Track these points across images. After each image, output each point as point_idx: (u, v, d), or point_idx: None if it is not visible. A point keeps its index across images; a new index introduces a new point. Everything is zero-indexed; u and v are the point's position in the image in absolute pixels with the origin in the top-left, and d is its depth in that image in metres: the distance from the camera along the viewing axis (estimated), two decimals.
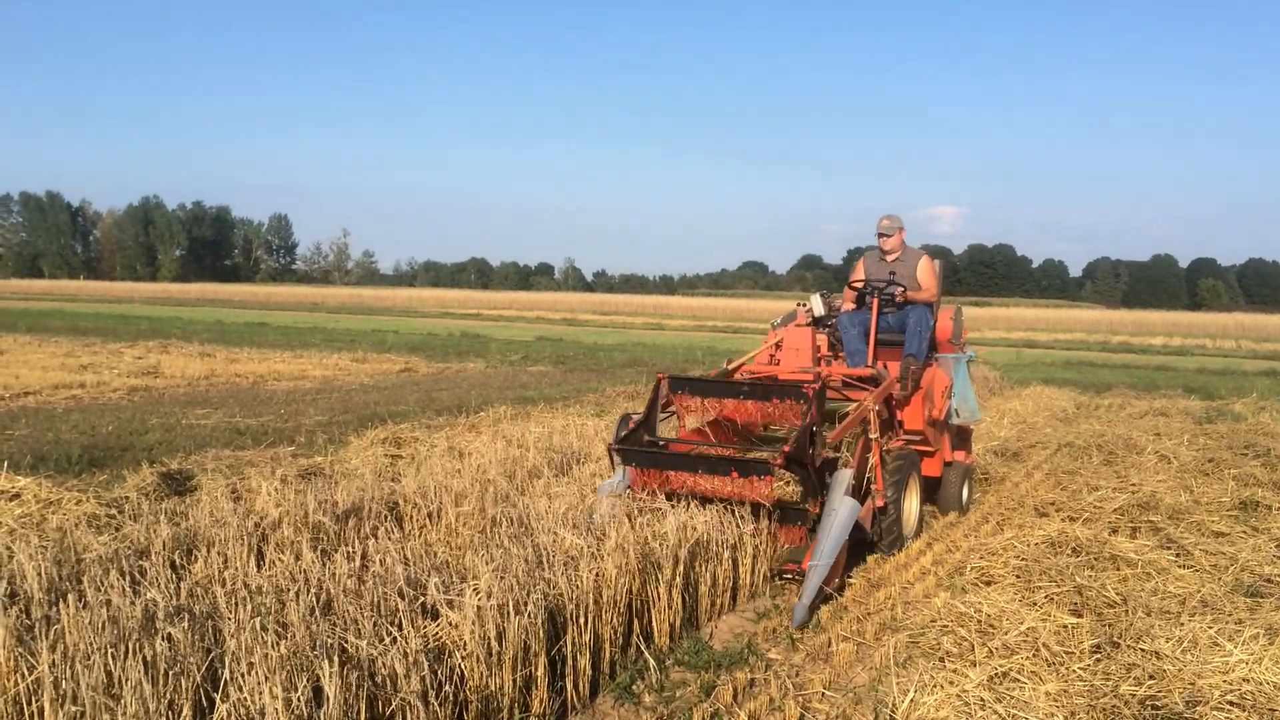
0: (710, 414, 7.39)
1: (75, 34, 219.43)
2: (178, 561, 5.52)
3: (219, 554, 5.50)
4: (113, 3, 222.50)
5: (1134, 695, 4.46)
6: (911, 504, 7.62)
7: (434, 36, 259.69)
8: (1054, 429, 14.22)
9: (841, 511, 6.14)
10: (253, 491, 7.17)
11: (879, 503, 6.96)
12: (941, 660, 4.92)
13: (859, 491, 6.64)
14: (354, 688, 3.72)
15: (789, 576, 6.32)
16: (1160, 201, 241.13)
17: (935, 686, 4.41)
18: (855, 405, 7.11)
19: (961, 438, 9.27)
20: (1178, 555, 6.83)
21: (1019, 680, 4.48)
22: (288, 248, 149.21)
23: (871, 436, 6.92)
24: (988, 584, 6.24)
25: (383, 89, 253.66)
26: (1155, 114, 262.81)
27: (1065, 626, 5.27)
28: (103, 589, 4.66)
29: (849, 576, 6.67)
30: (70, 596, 4.46)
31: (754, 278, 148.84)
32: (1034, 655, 4.76)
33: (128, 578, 4.86)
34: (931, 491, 8.67)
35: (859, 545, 6.88)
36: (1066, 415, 16.05)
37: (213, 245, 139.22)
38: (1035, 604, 5.68)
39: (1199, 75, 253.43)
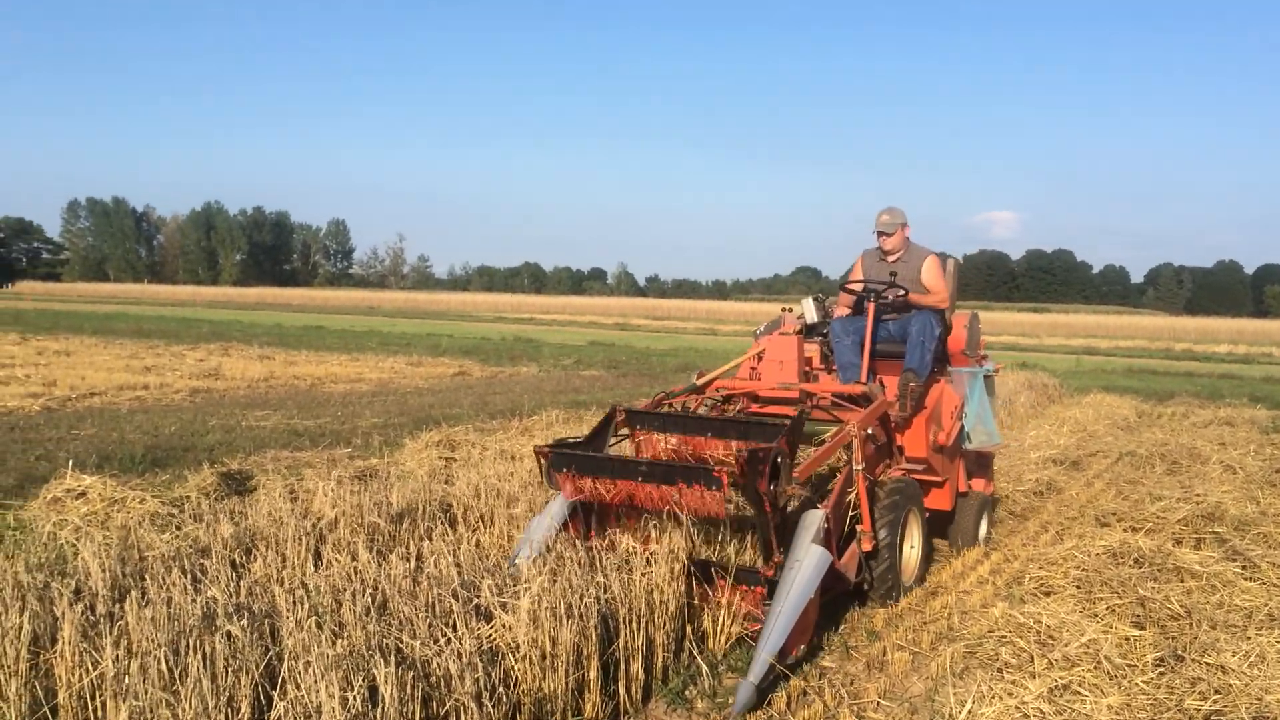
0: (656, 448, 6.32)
1: (142, 44, 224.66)
2: (237, 560, 5.61)
3: (277, 553, 5.59)
4: (179, 15, 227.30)
5: (1198, 710, 4.35)
6: (912, 545, 6.62)
7: (490, 44, 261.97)
8: (1115, 437, 13.96)
9: (806, 564, 5.03)
10: (310, 492, 7.27)
11: (866, 546, 5.91)
12: (1000, 671, 4.84)
13: (837, 536, 5.66)
14: (409, 687, 3.75)
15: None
16: (1225, 206, 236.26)
17: (994, 697, 4.34)
18: (834, 430, 6.08)
19: (981, 464, 8.25)
20: (1244, 568, 6.66)
21: (1080, 693, 4.39)
22: (345, 252, 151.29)
23: (856, 468, 5.84)
24: (1047, 594, 6.12)
25: (438, 96, 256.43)
26: (1221, 116, 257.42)
27: (1127, 639, 5.16)
28: (165, 587, 4.74)
29: (837, 631, 5.84)
30: (133, 594, 4.55)
31: (807, 283, 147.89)
32: (1095, 668, 4.66)
33: (189, 576, 4.95)
34: (943, 526, 7.78)
35: (853, 594, 6.08)
36: (1128, 424, 15.75)
37: (272, 250, 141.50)
38: (1096, 615, 5.56)
39: (1265, 77, 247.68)
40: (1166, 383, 24.42)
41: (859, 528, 5.89)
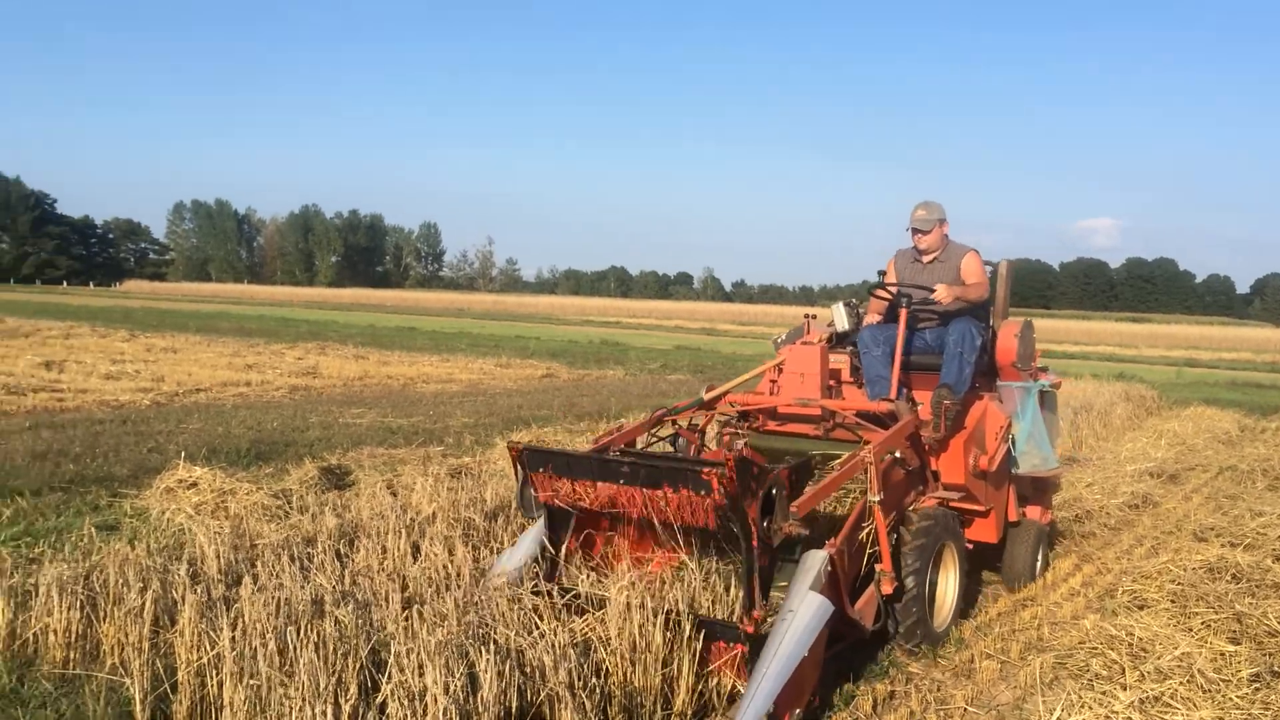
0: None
1: (245, 54, 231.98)
2: (341, 550, 5.85)
3: (379, 545, 5.82)
4: (280, 27, 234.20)
5: None
6: (946, 584, 5.90)
7: (581, 50, 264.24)
8: (1215, 451, 13.59)
9: (802, 614, 4.32)
10: (408, 488, 7.51)
11: (886, 588, 5.14)
12: (1090, 683, 4.82)
13: (853, 576, 5.03)
14: (506, 676, 3.90)
15: None
16: None
17: (1083, 706, 4.33)
18: (844, 457, 5.30)
19: (1038, 491, 7.41)
20: None
21: (1172, 705, 4.36)
22: (436, 255, 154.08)
23: (872, 499, 5.03)
24: (1140, 608, 6.05)
25: (526, 102, 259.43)
26: None
27: (1222, 654, 5.08)
28: (275, 573, 4.99)
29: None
30: (246, 579, 4.81)
31: None
32: (1188, 681, 4.61)
33: (297, 563, 5.20)
34: (993, 559, 7.06)
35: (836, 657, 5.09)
36: (1229, 438, 15.29)
37: (366, 252, 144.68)
38: (1191, 630, 5.48)
39: None
40: (1272, 396, 23.59)
41: (878, 567, 5.14)
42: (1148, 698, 4.39)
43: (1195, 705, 4.40)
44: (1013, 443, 6.66)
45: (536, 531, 5.18)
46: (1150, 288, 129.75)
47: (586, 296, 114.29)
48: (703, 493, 4.44)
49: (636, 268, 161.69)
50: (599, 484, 4.82)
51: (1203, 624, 5.57)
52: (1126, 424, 16.17)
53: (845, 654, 5.09)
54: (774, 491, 4.45)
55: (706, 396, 6.37)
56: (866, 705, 4.77)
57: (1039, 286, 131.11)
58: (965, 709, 4.84)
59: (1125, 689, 4.54)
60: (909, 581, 5.32)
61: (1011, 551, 6.96)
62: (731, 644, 4.48)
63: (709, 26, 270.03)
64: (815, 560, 4.52)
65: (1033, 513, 7.29)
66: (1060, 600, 6.65)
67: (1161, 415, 17.90)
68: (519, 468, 5.11)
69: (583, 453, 5.15)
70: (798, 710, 4.31)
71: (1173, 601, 6.01)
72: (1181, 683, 4.56)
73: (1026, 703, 4.77)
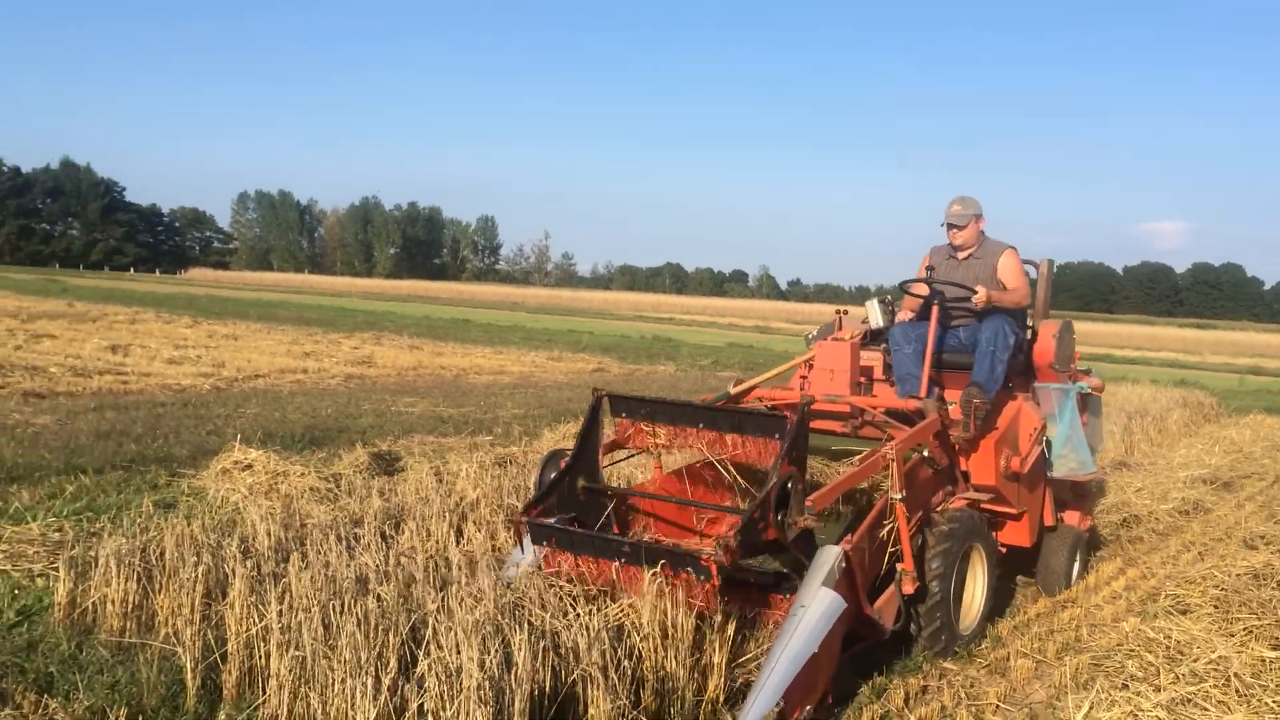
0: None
1: (306, 49, 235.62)
2: (387, 532, 6.01)
3: (423, 528, 5.97)
4: (340, 24, 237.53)
5: None
6: (974, 588, 5.84)
7: (638, 46, 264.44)
8: (1273, 460, 13.34)
9: (813, 610, 4.30)
10: (454, 474, 7.66)
11: (908, 588, 5.09)
12: (1125, 685, 4.81)
13: (872, 576, 4.99)
14: (540, 656, 4.01)
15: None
16: None
17: (1111, 704, 4.34)
18: (865, 453, 5.28)
19: (1078, 495, 7.27)
20: None
21: (1204, 707, 4.35)
22: (492, 248, 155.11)
23: (894, 497, 5.01)
24: (1183, 612, 5.99)
25: (586, 96, 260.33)
26: None
27: (1262, 659, 5.02)
28: (322, 552, 5.15)
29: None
30: (294, 556, 4.97)
31: None
32: (1224, 684, 4.59)
33: (344, 543, 5.36)
34: (1028, 564, 7.00)
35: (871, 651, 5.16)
36: None
37: (424, 244, 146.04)
38: (1232, 635, 5.42)
39: None
40: None
41: (899, 566, 5.09)
42: (1178, 699, 4.38)
43: (1229, 709, 4.39)
44: (1048, 445, 6.57)
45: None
46: (1216, 293, 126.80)
47: (641, 292, 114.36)
48: (703, 578, 4.45)
49: (692, 264, 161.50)
50: (600, 562, 4.81)
51: (1244, 630, 5.51)
52: (1183, 430, 15.92)
53: (878, 648, 5.13)
54: (789, 485, 4.45)
55: (734, 390, 6.34)
56: (898, 698, 4.81)
57: (1101, 290, 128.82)
58: (998, 705, 4.86)
59: (1159, 690, 4.53)
60: (933, 585, 5.25)
61: (1046, 556, 6.87)
62: (788, 594, 4.59)
63: (772, 27, 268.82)
64: (829, 556, 4.48)
65: (1071, 518, 7.17)
66: (1101, 603, 6.62)
67: (1220, 423, 17.59)
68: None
69: (582, 533, 5.03)
70: (809, 707, 4.29)
71: (1215, 607, 5.95)
72: (1215, 685, 4.54)
73: (1059, 701, 4.78)
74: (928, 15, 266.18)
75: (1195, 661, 4.80)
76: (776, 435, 4.71)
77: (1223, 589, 6.19)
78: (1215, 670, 4.72)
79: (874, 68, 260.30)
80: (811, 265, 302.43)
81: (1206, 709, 4.32)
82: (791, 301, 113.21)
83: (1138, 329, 66.15)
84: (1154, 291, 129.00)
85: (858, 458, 5.37)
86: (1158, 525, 9.09)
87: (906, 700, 4.83)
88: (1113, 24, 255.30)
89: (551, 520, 5.02)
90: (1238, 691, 4.53)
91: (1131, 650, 5.21)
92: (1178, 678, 4.67)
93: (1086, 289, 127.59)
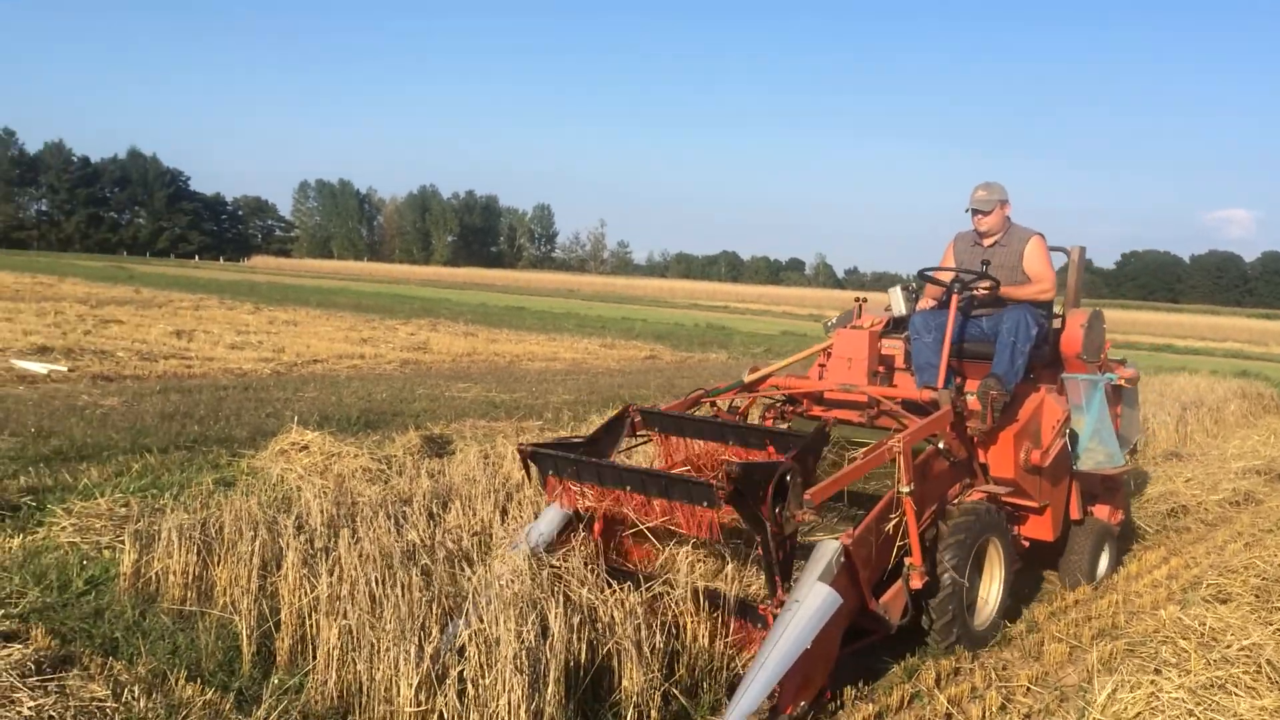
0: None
1: (364, 41, 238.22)
2: (434, 510, 6.21)
3: (469, 507, 6.16)
4: (404, 19, 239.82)
5: None
6: (990, 583, 5.67)
7: (693, 34, 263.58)
8: None
9: (808, 605, 4.20)
10: (501, 456, 7.86)
11: (915, 583, 4.95)
12: (1157, 671, 4.85)
13: (877, 570, 4.83)
14: (576, 628, 4.16)
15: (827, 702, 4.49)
16: None
17: (1135, 686, 4.39)
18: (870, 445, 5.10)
19: (1109, 488, 7.08)
20: None
21: (1232, 691, 4.38)
22: (548, 237, 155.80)
23: (901, 490, 4.85)
24: (1222, 601, 5.99)
25: (643, 85, 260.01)
26: None
27: None
28: (372, 528, 5.36)
29: None
30: (344, 532, 5.19)
31: None
32: (1254, 671, 4.61)
33: (393, 520, 5.57)
34: (1053, 558, 6.83)
35: (905, 633, 5.12)
36: None
37: (481, 232, 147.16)
38: (1270, 624, 5.43)
39: None
40: None
41: (908, 560, 4.95)
42: (1205, 683, 4.42)
43: (1259, 694, 4.41)
44: (1074, 438, 6.41)
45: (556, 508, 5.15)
46: None
47: (696, 280, 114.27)
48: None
49: (748, 253, 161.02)
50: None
51: None
52: (1240, 421, 15.68)
53: (910, 629, 5.20)
54: (786, 478, 4.30)
55: (748, 378, 6.20)
56: (929, 678, 4.89)
57: (1167, 279, 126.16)
58: (1028, 688, 4.92)
59: (1188, 674, 4.57)
60: (945, 579, 5.14)
61: (1069, 550, 6.73)
62: (758, 625, 4.45)
63: (827, 15, 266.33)
64: (826, 550, 4.39)
65: (1100, 511, 7.03)
66: (1141, 590, 6.62)
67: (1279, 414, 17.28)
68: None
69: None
70: (804, 703, 4.21)
71: (1255, 596, 5.95)
72: (1246, 671, 4.57)
73: (1091, 684, 4.83)
74: (982, 5, 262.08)
75: (1228, 648, 4.82)
76: (705, 503, 4.36)
77: (1264, 578, 6.19)
78: (1246, 656, 4.74)
79: (934, 57, 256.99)
80: (869, 253, 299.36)
81: (1234, 693, 4.35)
82: (848, 290, 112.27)
83: (1202, 319, 64.71)
84: (1221, 281, 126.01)
85: (861, 450, 5.16)
86: (1206, 516, 9.03)
87: (938, 680, 4.90)
88: (1181, 9, 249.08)
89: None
90: (1269, 678, 4.56)
91: (1166, 636, 5.25)
92: (1209, 663, 4.70)
93: (1152, 278, 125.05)
